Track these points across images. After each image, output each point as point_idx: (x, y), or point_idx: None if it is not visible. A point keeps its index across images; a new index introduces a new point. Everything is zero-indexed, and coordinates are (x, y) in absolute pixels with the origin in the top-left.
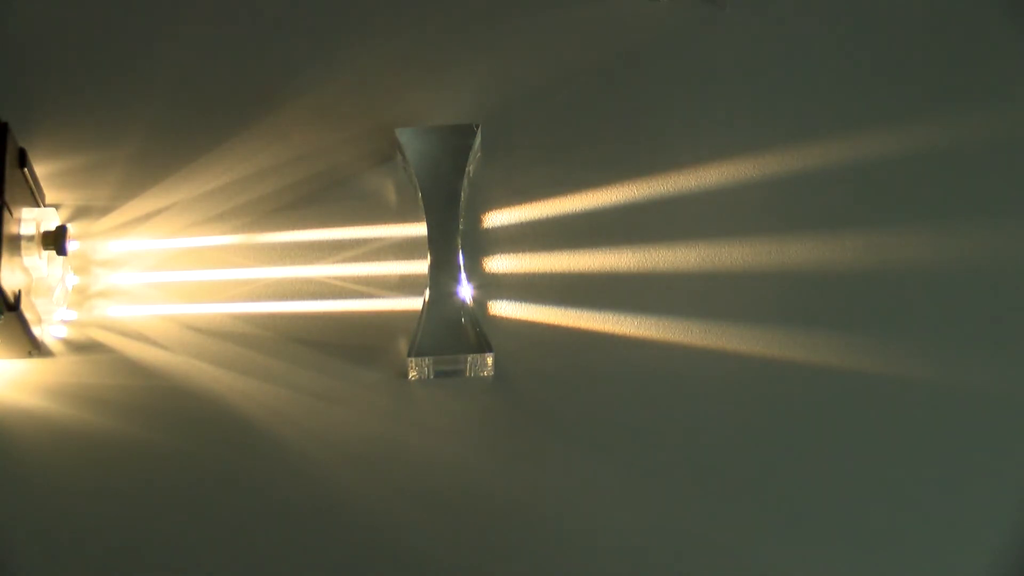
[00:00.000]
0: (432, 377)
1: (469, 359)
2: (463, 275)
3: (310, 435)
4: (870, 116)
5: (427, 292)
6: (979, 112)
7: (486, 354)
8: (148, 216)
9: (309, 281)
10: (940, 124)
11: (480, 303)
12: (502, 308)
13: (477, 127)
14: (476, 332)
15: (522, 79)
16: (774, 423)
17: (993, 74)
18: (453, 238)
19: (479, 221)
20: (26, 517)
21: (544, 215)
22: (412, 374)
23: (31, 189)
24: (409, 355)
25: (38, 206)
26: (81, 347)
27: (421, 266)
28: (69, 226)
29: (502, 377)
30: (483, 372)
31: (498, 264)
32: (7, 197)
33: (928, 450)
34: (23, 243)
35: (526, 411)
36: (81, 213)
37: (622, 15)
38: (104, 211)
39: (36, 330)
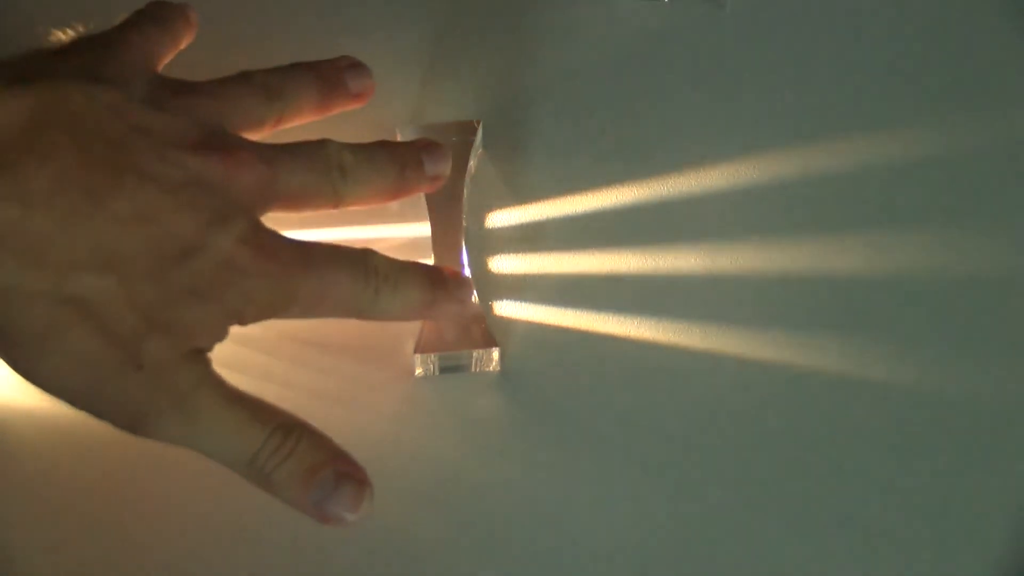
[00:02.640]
0: (437, 374)
1: (475, 355)
2: (467, 272)
3: None
4: (873, 116)
5: None
6: (986, 112)
7: (492, 349)
8: None
9: None
10: (945, 123)
11: (484, 302)
12: (503, 307)
13: (478, 123)
14: (481, 328)
15: (521, 79)
16: (784, 426)
17: (1000, 74)
18: (456, 236)
19: (481, 221)
20: (26, 517)
21: (545, 215)
22: (418, 371)
23: None
24: (415, 351)
25: None
26: None
27: None
28: None
29: (506, 377)
30: (489, 367)
31: (499, 264)
32: None
33: (934, 458)
34: None
35: (530, 411)
36: None
37: (622, 15)
38: None
39: None
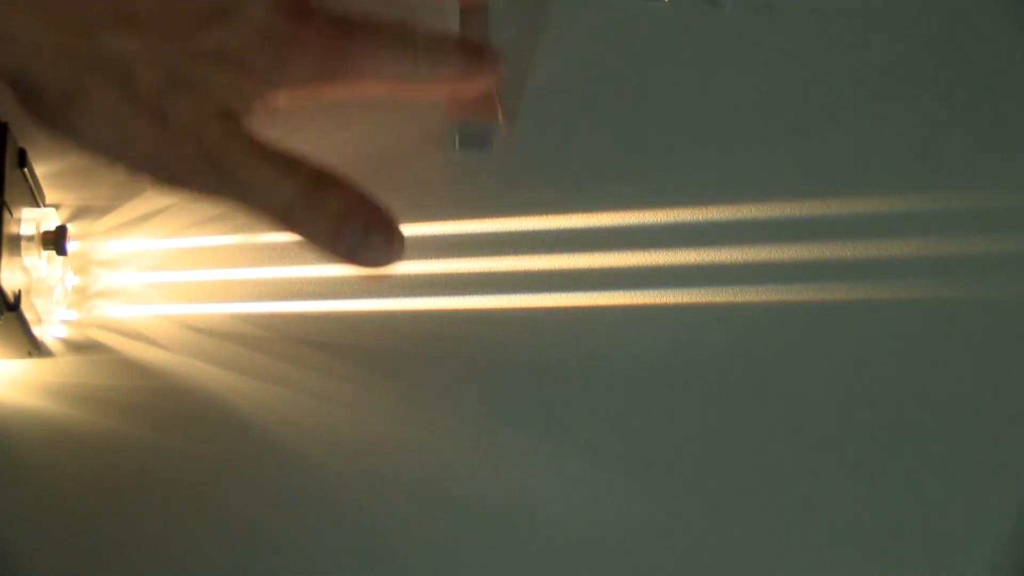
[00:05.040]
0: (458, 148)
1: (493, 125)
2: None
3: (310, 435)
4: (875, 117)
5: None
6: (989, 110)
7: (501, 120)
8: (148, 216)
9: (309, 281)
10: (946, 121)
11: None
12: (506, 301)
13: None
14: (494, 100)
15: (521, 79)
16: (785, 422)
17: (1003, 74)
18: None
19: (482, 221)
20: (26, 517)
21: (545, 213)
22: (449, 142)
23: (31, 189)
24: (447, 117)
25: (38, 206)
26: (81, 347)
27: (421, 266)
28: (69, 226)
29: (503, 373)
30: (501, 133)
31: (503, 263)
32: (7, 197)
33: (935, 459)
34: (23, 243)
35: (530, 408)
36: (81, 213)
37: (622, 15)
38: (104, 211)
39: (36, 330)
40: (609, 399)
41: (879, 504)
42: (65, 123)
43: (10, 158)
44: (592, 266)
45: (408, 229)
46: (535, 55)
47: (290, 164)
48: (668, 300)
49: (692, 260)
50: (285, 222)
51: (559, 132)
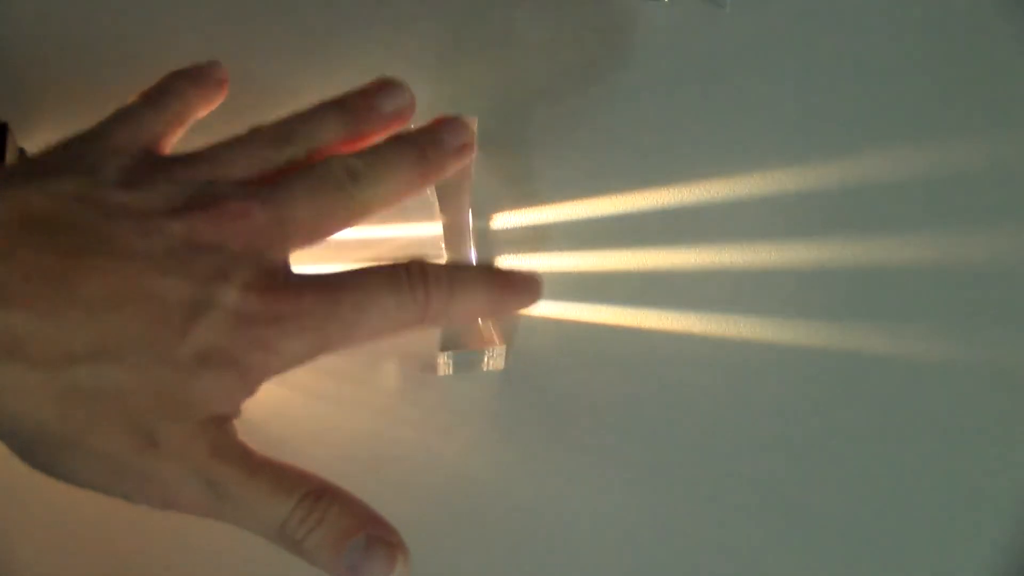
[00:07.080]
0: (451, 372)
1: (487, 352)
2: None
3: (310, 435)
4: (872, 115)
5: None
6: (990, 108)
7: (501, 347)
8: None
9: None
10: (953, 125)
11: None
12: None
13: (474, 120)
14: (493, 326)
15: (519, 80)
16: (790, 426)
17: (1004, 72)
18: (465, 234)
19: (480, 218)
20: (26, 517)
21: (543, 214)
22: (440, 370)
23: None
24: (441, 350)
25: None
26: None
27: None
28: None
29: (506, 375)
30: (499, 365)
31: (498, 262)
32: None
33: (936, 459)
34: None
35: (531, 408)
36: None
37: (622, 15)
38: None
39: None
40: (613, 394)
41: (880, 505)
42: (64, 469)
43: (10, 158)
44: (588, 265)
45: (406, 228)
46: (534, 55)
47: (285, 480)
48: (667, 296)
49: (692, 259)
50: (280, 540)
51: (558, 132)
